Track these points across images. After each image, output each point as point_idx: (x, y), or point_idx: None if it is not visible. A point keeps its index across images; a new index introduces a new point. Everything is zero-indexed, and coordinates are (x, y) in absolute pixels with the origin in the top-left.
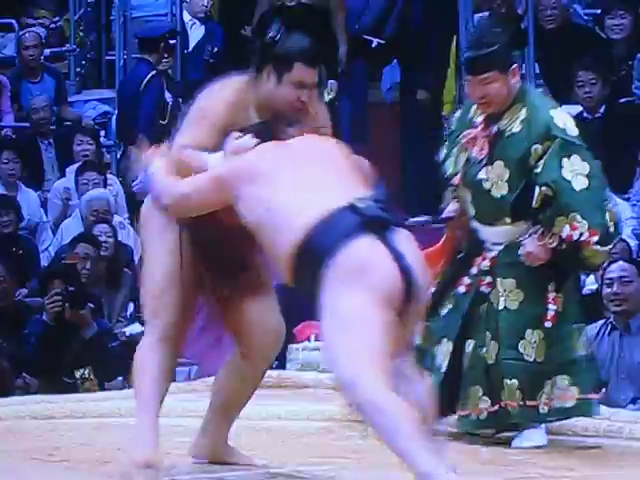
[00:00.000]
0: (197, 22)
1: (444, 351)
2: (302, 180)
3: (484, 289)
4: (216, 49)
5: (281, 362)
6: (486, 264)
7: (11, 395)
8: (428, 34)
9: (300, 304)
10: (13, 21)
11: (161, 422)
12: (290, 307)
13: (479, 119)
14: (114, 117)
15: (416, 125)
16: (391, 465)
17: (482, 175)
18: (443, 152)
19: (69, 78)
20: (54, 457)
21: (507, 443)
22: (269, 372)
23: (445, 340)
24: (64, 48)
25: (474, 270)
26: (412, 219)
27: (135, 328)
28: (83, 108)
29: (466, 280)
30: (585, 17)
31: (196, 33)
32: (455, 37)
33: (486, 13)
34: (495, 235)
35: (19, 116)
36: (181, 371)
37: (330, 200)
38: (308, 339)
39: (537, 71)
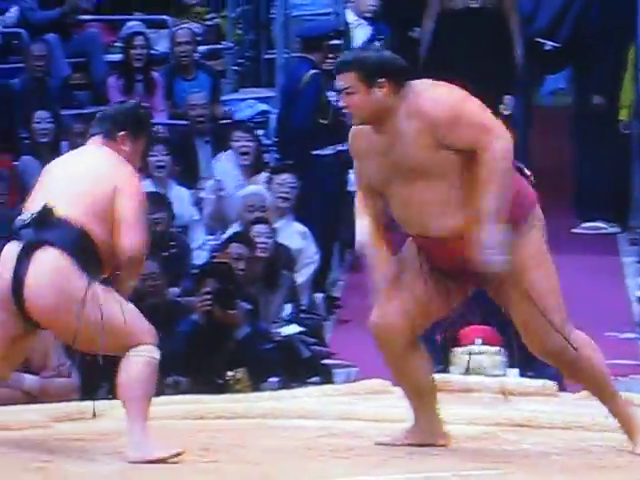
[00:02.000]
0: (363, 22)
1: None
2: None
3: None
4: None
5: (445, 366)
6: None
7: (160, 394)
8: (605, 36)
9: (465, 307)
10: (167, 17)
11: (318, 424)
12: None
13: None
14: (272, 116)
15: (591, 130)
16: (558, 471)
17: None
18: None
19: (225, 76)
20: (204, 457)
21: None
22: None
23: None
24: (221, 46)
25: None
26: (586, 224)
27: (291, 329)
28: (239, 107)
29: None
30: None
31: (361, 33)
32: (634, 39)
33: None
34: None
35: (172, 114)
36: (340, 373)
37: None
38: (473, 343)
39: None
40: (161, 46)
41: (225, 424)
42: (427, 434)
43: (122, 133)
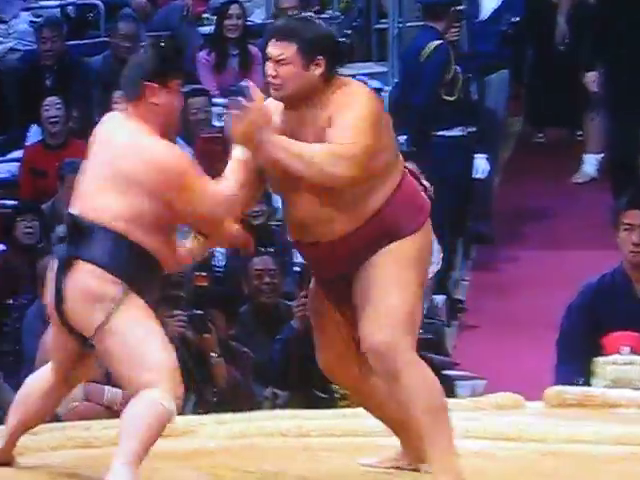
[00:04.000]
0: None
1: None
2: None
3: None
4: (517, 19)
5: (586, 378)
6: None
7: (256, 408)
8: None
9: (604, 310)
10: None
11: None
12: (595, 314)
13: None
14: (384, 94)
15: None
16: None
17: None
18: None
19: None
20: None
21: None
22: (570, 389)
23: None
24: (325, 15)
25: None
26: None
27: None
28: None
29: None
30: None
31: (490, 1)
32: None
33: None
34: None
35: None
36: (464, 385)
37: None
38: (619, 351)
39: None
40: (257, 16)
41: (330, 443)
42: (415, 457)
43: (147, 83)
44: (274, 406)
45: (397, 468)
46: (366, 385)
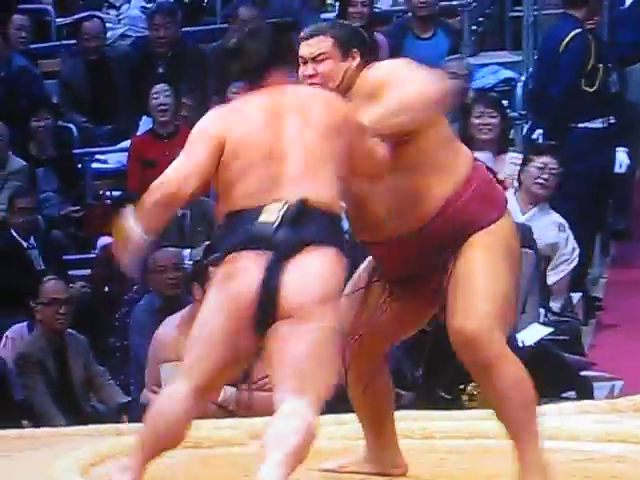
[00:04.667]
0: None
1: None
2: None
3: None
4: None
5: None
6: None
7: None
8: None
9: None
10: None
11: (573, 446)
12: None
13: None
14: (519, 84)
15: None
16: None
17: None
18: None
19: (462, 37)
20: None
21: None
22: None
23: None
24: (456, 1)
25: None
26: None
27: (536, 332)
28: (479, 73)
29: None
30: None
31: None
32: None
33: None
34: None
35: None
36: (602, 386)
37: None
38: None
39: None
40: (384, 3)
41: (457, 445)
42: (383, 463)
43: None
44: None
45: (362, 473)
46: (367, 384)
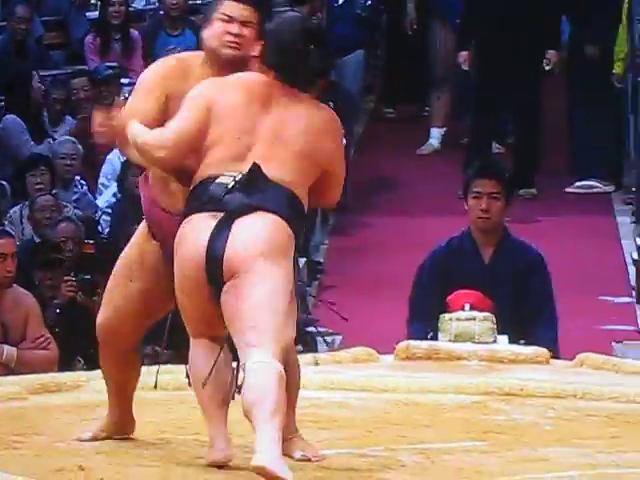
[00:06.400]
0: None
1: None
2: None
3: None
4: (369, 2)
5: (434, 333)
6: None
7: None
8: None
9: (453, 270)
10: None
11: (300, 394)
12: (444, 274)
13: None
14: None
15: (585, 83)
16: (549, 442)
17: None
18: None
19: None
20: (184, 431)
21: None
22: (418, 343)
23: None
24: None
25: None
26: (579, 183)
27: None
28: None
29: None
30: None
31: None
32: None
33: None
34: None
35: None
36: (324, 341)
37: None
38: (462, 308)
39: None
40: (138, 3)
41: None
42: (120, 425)
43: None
44: (156, 363)
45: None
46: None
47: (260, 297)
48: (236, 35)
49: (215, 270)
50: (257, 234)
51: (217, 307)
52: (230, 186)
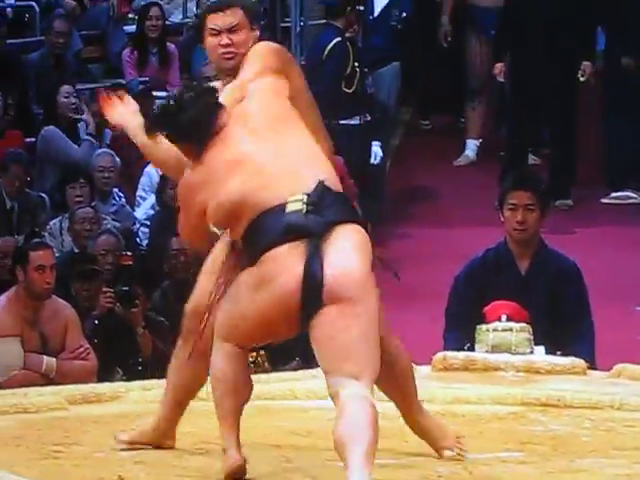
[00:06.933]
0: None
1: None
2: None
3: None
4: (404, 14)
5: (471, 344)
6: None
7: None
8: None
9: (489, 281)
10: None
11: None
12: (481, 285)
13: None
14: None
15: (621, 94)
16: (586, 452)
17: None
18: None
19: None
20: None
21: None
22: (455, 354)
23: None
24: None
25: None
26: (615, 193)
27: None
28: None
29: None
30: None
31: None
32: None
33: None
34: None
35: None
36: None
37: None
38: (499, 319)
39: None
40: (175, 17)
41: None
42: (161, 435)
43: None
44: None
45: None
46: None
47: (362, 328)
48: (227, 45)
49: (313, 296)
50: (348, 251)
51: (295, 330)
52: (305, 210)
